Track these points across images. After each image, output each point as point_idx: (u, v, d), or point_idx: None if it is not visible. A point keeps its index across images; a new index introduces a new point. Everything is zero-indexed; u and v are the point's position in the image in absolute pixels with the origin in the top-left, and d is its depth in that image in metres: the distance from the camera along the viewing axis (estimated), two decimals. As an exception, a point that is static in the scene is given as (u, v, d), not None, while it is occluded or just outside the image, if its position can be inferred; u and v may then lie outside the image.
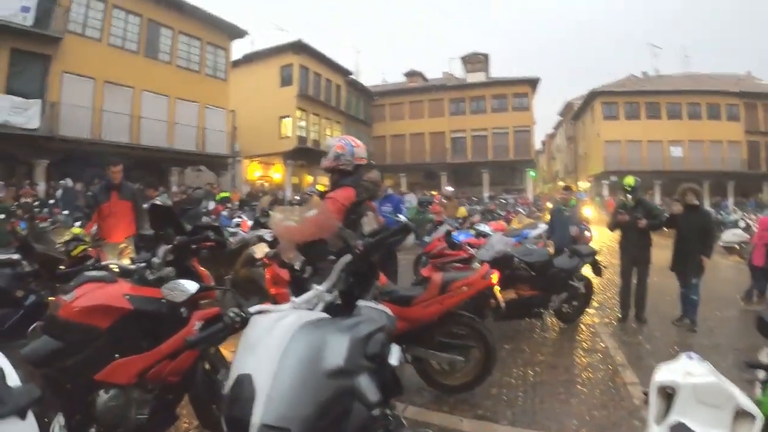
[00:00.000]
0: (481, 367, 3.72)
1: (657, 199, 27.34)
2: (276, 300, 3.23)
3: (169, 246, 2.73)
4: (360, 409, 1.24)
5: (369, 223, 2.77)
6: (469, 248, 6.10)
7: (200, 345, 1.58)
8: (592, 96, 35.80)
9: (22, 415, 1.48)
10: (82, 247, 4.58)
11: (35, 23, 15.52)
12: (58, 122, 16.32)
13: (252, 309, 1.54)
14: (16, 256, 4.07)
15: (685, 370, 1.91)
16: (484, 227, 8.10)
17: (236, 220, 9.79)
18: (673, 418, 1.80)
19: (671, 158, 32.53)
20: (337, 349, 1.26)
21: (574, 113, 42.42)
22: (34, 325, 3.22)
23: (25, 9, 15.21)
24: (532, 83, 35.87)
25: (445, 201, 15.37)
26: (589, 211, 17.37)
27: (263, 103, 27.58)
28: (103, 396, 2.35)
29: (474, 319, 3.80)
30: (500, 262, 5.18)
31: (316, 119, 30.34)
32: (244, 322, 1.49)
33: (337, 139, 3.43)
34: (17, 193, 13.67)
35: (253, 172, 27.88)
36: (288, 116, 28.25)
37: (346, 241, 1.90)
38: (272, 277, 3.77)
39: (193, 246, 2.88)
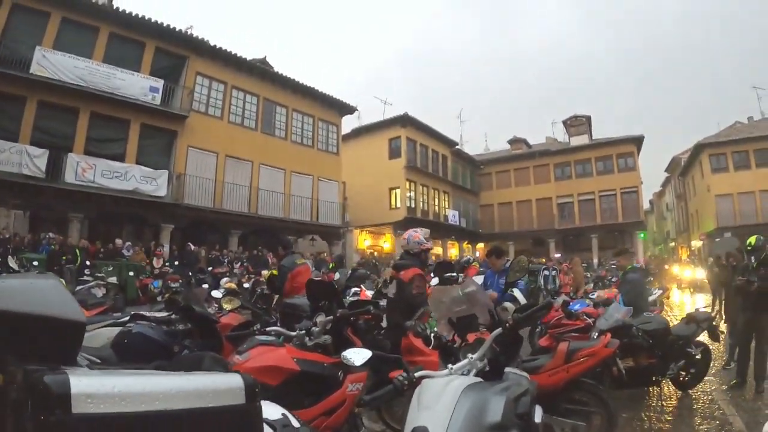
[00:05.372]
0: None
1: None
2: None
3: (330, 317, 3.07)
4: None
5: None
6: (586, 318, 6.07)
7: (373, 404, 1.70)
8: (698, 149, 33.07)
9: None
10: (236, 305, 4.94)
11: (162, 102, 17.29)
12: (183, 191, 17.66)
13: (417, 374, 1.76)
14: (167, 314, 4.47)
15: None
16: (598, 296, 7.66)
17: (355, 289, 9.68)
18: None
19: (787, 207, 28.92)
20: (495, 408, 1.52)
21: (681, 169, 39.63)
22: None
23: (154, 89, 17.03)
24: (637, 142, 34.40)
25: (569, 269, 14.61)
26: None
27: (373, 175, 28.33)
28: None
29: (596, 386, 3.89)
30: (619, 331, 5.06)
31: (424, 190, 30.66)
32: (411, 384, 1.71)
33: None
34: (151, 253, 14.87)
35: (363, 241, 28.50)
36: (397, 187, 28.76)
37: (495, 316, 2.25)
38: (406, 347, 3.99)
39: (352, 318, 3.27)
